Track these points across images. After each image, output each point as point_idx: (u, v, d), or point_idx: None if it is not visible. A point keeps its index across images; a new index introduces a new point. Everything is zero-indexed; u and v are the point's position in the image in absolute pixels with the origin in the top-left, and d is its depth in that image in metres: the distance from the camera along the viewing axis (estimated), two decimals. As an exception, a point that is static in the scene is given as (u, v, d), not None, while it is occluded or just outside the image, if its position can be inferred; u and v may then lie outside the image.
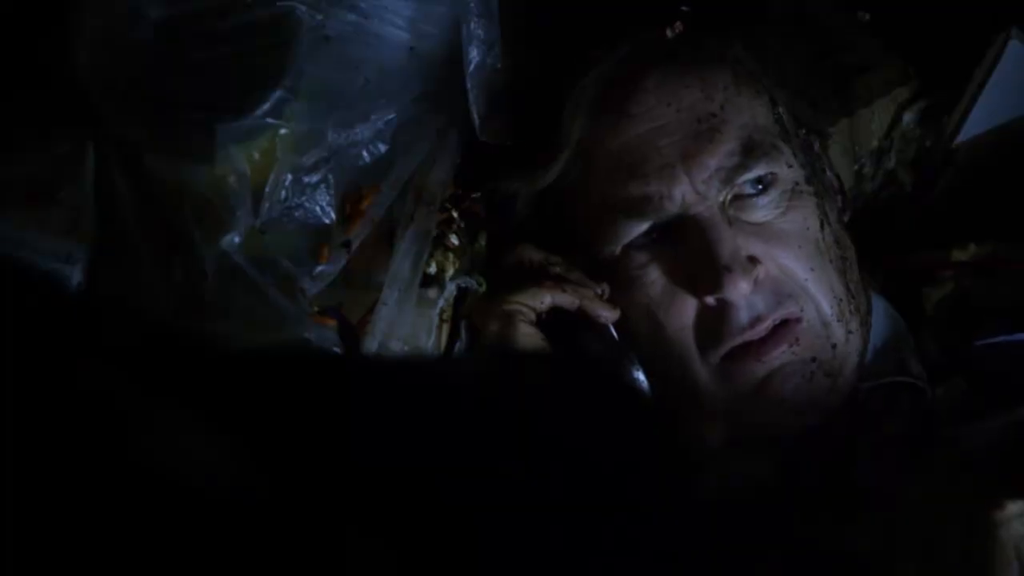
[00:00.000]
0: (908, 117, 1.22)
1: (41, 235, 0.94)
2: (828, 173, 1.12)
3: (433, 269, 1.10)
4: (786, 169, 1.04)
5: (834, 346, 1.04)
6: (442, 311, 1.10)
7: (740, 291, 1.00)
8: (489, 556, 0.43)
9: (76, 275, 0.95)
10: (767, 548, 0.52)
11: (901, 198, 1.27)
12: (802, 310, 1.03)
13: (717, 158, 1.02)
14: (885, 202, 1.27)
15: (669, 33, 1.08)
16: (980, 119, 1.19)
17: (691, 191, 1.02)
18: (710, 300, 1.02)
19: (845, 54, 1.22)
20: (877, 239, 1.19)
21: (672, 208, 1.03)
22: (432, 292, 1.09)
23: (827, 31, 1.23)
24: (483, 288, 1.10)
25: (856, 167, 1.23)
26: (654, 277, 1.05)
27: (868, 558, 0.87)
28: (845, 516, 0.92)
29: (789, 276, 1.03)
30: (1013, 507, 0.82)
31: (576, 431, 0.49)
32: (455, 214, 1.12)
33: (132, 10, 0.97)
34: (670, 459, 0.53)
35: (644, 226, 1.04)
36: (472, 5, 1.05)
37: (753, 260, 1.01)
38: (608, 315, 1.07)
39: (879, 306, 1.13)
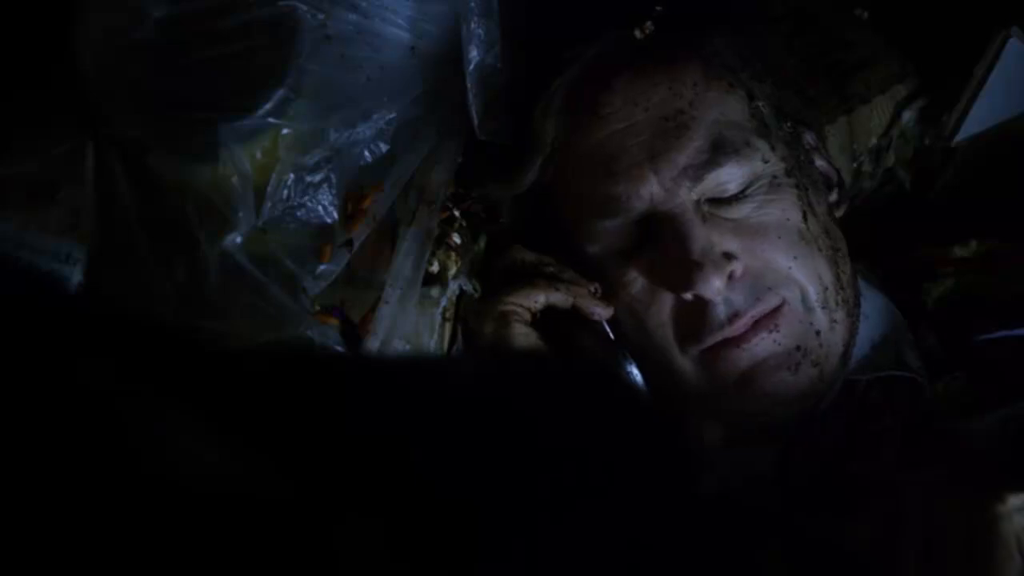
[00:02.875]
0: (907, 115, 1.22)
1: (41, 235, 0.94)
2: (819, 163, 1.12)
3: (435, 268, 1.10)
4: (761, 165, 1.04)
5: (818, 332, 1.04)
6: (444, 310, 1.10)
7: (712, 287, 1.00)
8: (489, 556, 0.43)
9: (76, 275, 0.95)
10: (767, 543, 0.52)
11: (900, 196, 1.27)
12: (783, 299, 1.03)
13: (685, 154, 1.02)
14: (884, 200, 1.27)
15: (639, 34, 1.08)
16: (979, 117, 1.19)
17: (660, 189, 1.02)
18: (687, 296, 1.02)
19: (844, 52, 1.22)
20: (877, 236, 1.19)
21: (640, 206, 1.03)
22: (435, 291, 1.09)
23: (826, 29, 1.23)
24: (478, 294, 1.10)
25: (855, 165, 1.23)
26: (633, 276, 1.05)
27: (868, 552, 0.87)
28: (845, 509, 0.92)
29: (771, 267, 1.03)
30: (1014, 500, 0.83)
31: (575, 429, 0.49)
32: (457, 213, 1.13)
33: (134, 10, 0.98)
34: (669, 455, 0.53)
35: (615, 224, 1.05)
36: (473, 5, 1.05)
37: (728, 256, 1.01)
38: (602, 312, 1.07)
39: (877, 301, 1.13)
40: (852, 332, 1.08)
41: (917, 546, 0.85)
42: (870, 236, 1.16)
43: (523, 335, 1.05)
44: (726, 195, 1.03)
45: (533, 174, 1.10)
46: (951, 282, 1.13)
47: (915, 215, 1.24)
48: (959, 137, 1.20)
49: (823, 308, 1.04)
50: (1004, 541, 0.82)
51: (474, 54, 1.06)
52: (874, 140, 1.23)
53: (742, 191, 1.03)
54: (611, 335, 1.09)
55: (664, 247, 1.03)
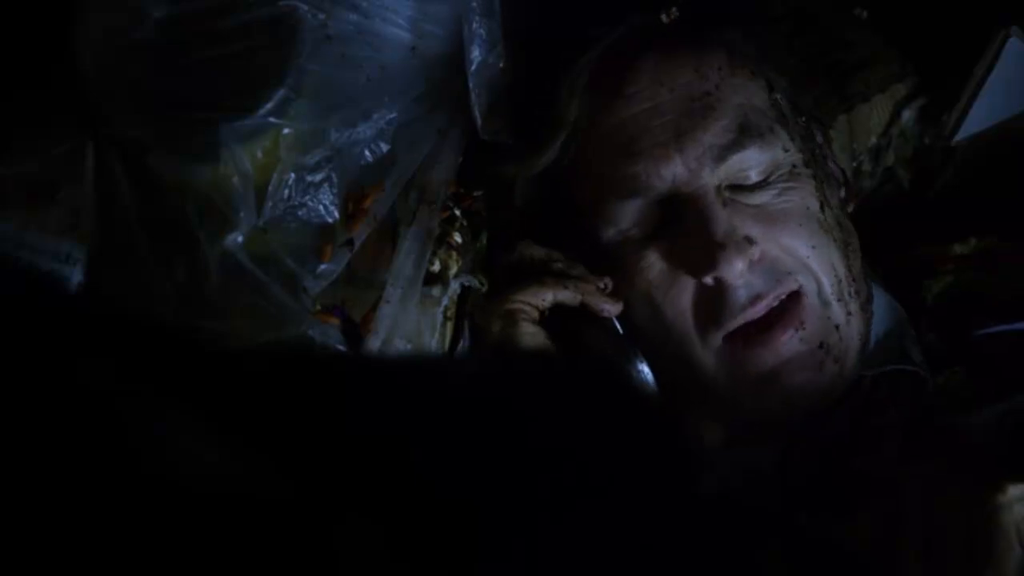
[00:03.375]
0: (907, 114, 1.22)
1: (41, 235, 0.94)
2: (831, 164, 1.12)
3: (437, 267, 1.10)
4: (782, 153, 1.04)
5: (836, 327, 1.04)
6: (446, 309, 1.10)
7: (735, 269, 1.00)
8: (489, 556, 0.43)
9: (76, 275, 0.95)
10: (767, 543, 0.52)
11: (900, 195, 1.27)
12: (801, 286, 1.03)
13: (711, 133, 1.02)
14: (884, 199, 1.27)
15: (665, 18, 1.08)
16: (979, 117, 1.19)
17: (683, 170, 1.02)
18: (708, 280, 1.02)
19: (844, 52, 1.22)
20: (877, 235, 1.19)
21: (661, 186, 1.03)
22: (436, 290, 1.09)
23: (826, 29, 1.23)
24: (485, 288, 1.10)
25: (855, 164, 1.23)
26: (652, 260, 1.05)
27: (868, 551, 0.87)
28: (845, 508, 0.92)
29: (790, 253, 1.03)
30: (1014, 490, 0.83)
31: (575, 429, 0.49)
32: (457, 212, 1.13)
33: (134, 10, 0.98)
34: (669, 455, 0.53)
35: (634, 205, 1.05)
36: (474, 4, 1.05)
37: (750, 240, 1.01)
38: (611, 308, 1.07)
39: (880, 297, 1.13)
40: (868, 325, 1.08)
41: (917, 546, 0.85)
42: (870, 235, 1.16)
43: (531, 334, 1.05)
44: (748, 182, 1.03)
45: (554, 152, 1.09)
46: (950, 278, 1.13)
47: (915, 214, 1.24)
48: (959, 136, 1.20)
49: (839, 301, 1.04)
50: (1004, 531, 0.82)
51: (476, 54, 1.06)
52: (874, 139, 1.23)
53: (763, 179, 1.03)
54: (621, 331, 1.08)
55: (686, 228, 1.02)
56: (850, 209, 1.13)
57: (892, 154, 1.24)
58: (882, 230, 1.21)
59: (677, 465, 0.53)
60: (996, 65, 1.16)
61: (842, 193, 1.13)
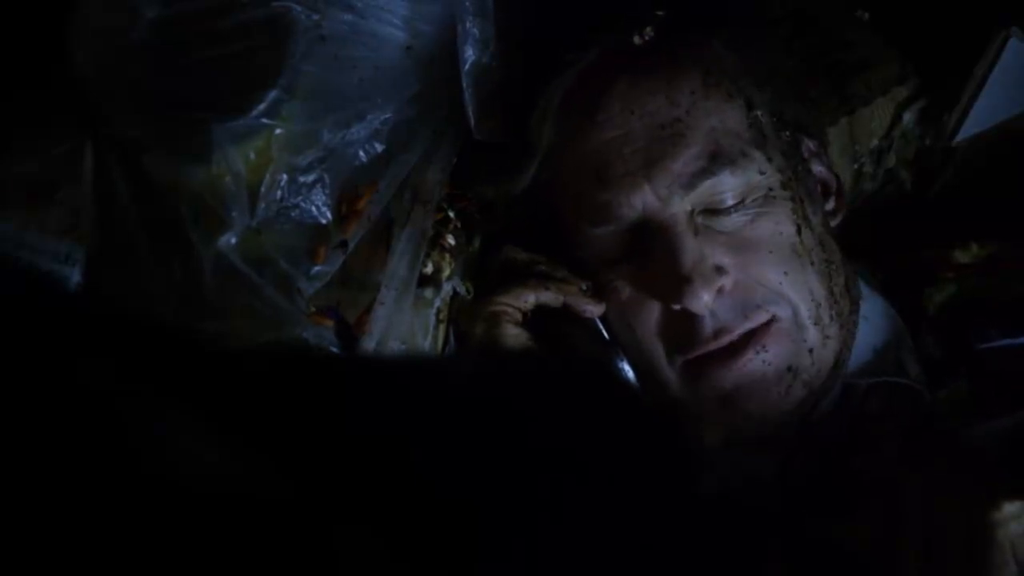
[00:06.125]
0: (908, 116, 1.22)
1: (41, 235, 0.94)
2: (817, 170, 1.11)
3: (430, 269, 1.10)
4: (757, 176, 1.03)
5: (811, 351, 1.03)
6: (439, 311, 1.10)
7: (701, 302, 1.00)
8: (489, 556, 0.43)
9: (76, 275, 0.95)
10: (767, 543, 0.53)
11: (901, 196, 1.27)
12: (774, 315, 1.03)
13: (680, 162, 1.01)
14: (885, 201, 1.26)
15: (638, 40, 1.07)
16: (980, 117, 1.19)
17: (653, 198, 1.02)
18: (675, 306, 1.02)
19: (844, 52, 1.22)
20: (877, 238, 1.19)
21: (631, 215, 1.03)
22: (428, 292, 1.09)
23: (826, 30, 1.22)
24: (471, 296, 1.10)
25: (856, 166, 1.22)
26: (623, 283, 1.05)
27: (868, 552, 0.87)
28: (845, 509, 0.93)
29: (761, 282, 1.02)
30: (1010, 507, 0.83)
31: (575, 428, 0.49)
32: (451, 214, 1.12)
33: (130, 10, 0.98)
34: (669, 455, 0.53)
35: (607, 231, 1.05)
36: (468, 4, 1.05)
37: (720, 270, 1.01)
38: (593, 309, 1.07)
39: (878, 306, 1.13)
40: (846, 342, 1.08)
41: (917, 546, 0.85)
42: (871, 237, 1.16)
43: (514, 335, 1.06)
44: (721, 206, 1.02)
45: (528, 177, 1.10)
46: (953, 287, 1.13)
47: (915, 215, 1.24)
48: (959, 137, 1.20)
49: (815, 325, 1.03)
50: (1000, 546, 0.82)
51: (470, 54, 1.06)
52: (875, 141, 1.22)
53: (738, 202, 1.02)
54: (604, 333, 1.09)
55: (655, 256, 1.02)
56: (836, 221, 1.11)
57: (893, 156, 1.23)
58: (882, 231, 1.21)
59: (677, 465, 0.53)
60: (996, 65, 1.16)
61: (830, 204, 1.11)
